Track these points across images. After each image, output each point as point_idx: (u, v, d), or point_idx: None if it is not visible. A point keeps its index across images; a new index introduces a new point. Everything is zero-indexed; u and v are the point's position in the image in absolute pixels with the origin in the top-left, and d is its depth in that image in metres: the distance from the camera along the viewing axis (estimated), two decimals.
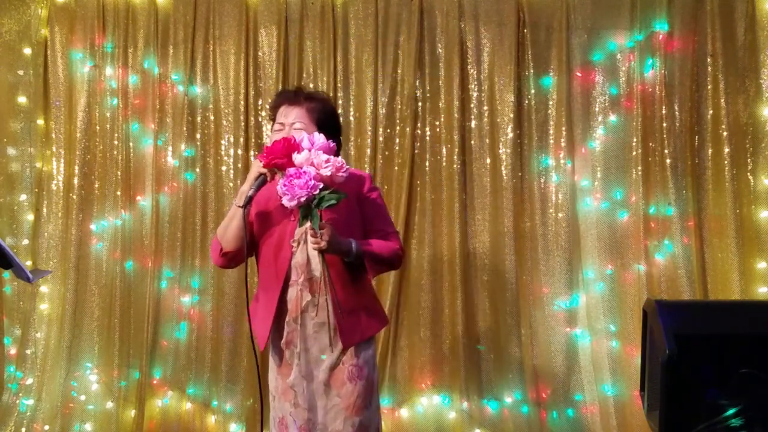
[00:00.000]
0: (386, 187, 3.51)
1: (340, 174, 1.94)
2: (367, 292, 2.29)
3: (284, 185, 1.90)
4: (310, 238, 2.03)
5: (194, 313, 3.52)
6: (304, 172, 1.89)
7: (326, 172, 1.91)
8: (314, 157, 1.92)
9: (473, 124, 3.52)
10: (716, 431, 1.49)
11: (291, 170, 1.91)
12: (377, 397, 2.28)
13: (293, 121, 2.18)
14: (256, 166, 2.09)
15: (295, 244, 2.16)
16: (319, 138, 1.98)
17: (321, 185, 1.91)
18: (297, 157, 1.93)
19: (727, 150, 3.35)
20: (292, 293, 2.17)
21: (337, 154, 2.28)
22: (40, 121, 3.57)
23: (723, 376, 1.53)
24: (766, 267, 3.31)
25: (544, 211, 3.51)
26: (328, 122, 2.23)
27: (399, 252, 2.25)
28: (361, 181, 2.25)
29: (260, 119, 3.54)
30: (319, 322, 2.16)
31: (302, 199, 1.89)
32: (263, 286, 2.24)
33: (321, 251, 2.02)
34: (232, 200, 2.22)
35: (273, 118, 2.28)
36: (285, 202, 1.92)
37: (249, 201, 2.08)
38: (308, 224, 1.98)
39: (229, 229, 2.18)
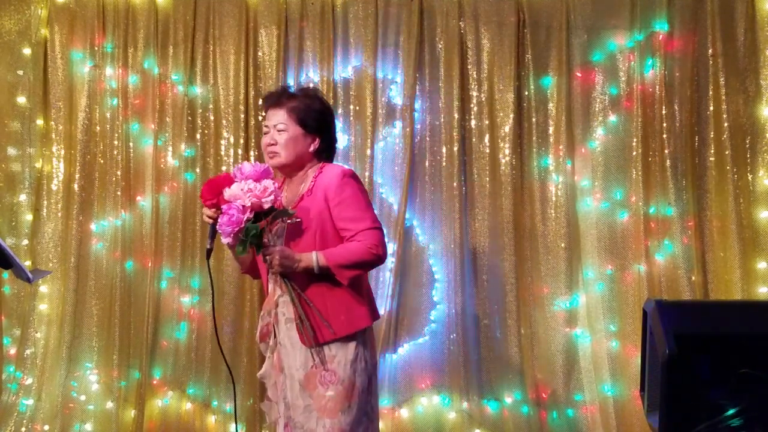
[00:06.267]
0: (386, 186, 3.51)
1: (266, 198, 1.99)
2: (343, 293, 2.16)
3: (220, 224, 2.00)
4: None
5: (194, 313, 3.51)
6: (230, 206, 1.98)
7: (246, 202, 1.97)
8: (244, 188, 1.99)
9: (473, 124, 3.52)
10: (716, 431, 1.49)
11: (224, 207, 2.00)
12: (364, 401, 2.16)
13: (275, 123, 2.21)
14: (205, 215, 2.13)
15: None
16: (247, 167, 2.04)
17: (245, 217, 1.97)
18: (227, 192, 2.00)
19: (727, 150, 3.35)
20: (269, 287, 2.24)
21: (330, 153, 2.31)
22: (40, 121, 3.56)
23: (723, 376, 1.53)
24: (767, 267, 3.31)
25: (544, 211, 3.51)
26: (311, 119, 2.21)
27: (371, 250, 2.11)
28: (330, 182, 2.15)
29: (260, 119, 3.54)
30: (289, 317, 2.18)
31: (232, 235, 1.99)
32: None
33: (278, 273, 2.10)
34: None
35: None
36: (223, 240, 2.03)
37: (209, 254, 2.17)
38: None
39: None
